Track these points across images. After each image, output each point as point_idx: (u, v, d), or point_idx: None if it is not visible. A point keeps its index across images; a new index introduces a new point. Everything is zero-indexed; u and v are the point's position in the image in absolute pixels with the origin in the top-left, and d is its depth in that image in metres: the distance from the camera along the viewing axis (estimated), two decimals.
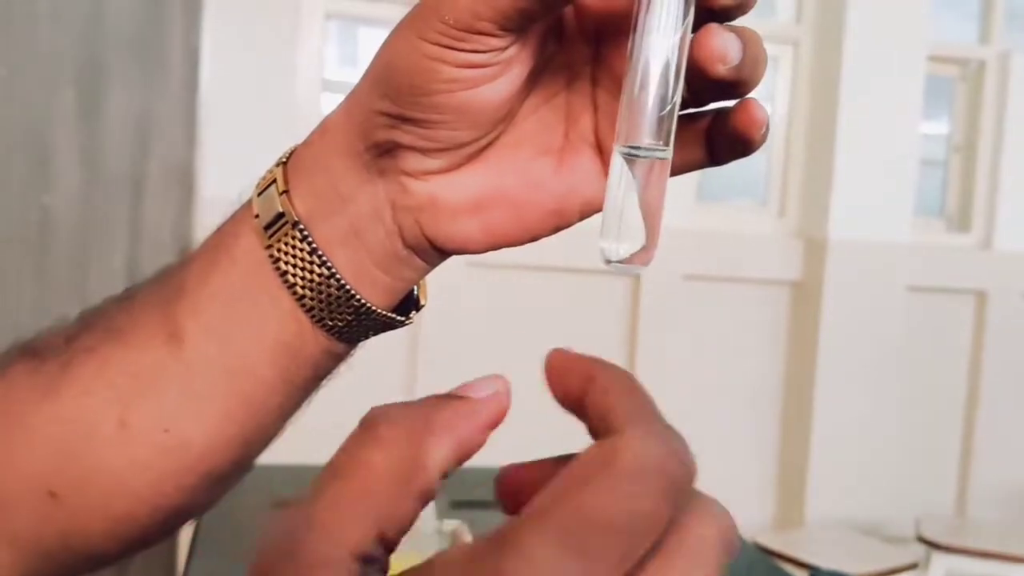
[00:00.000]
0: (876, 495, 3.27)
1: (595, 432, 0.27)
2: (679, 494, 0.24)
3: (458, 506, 1.36)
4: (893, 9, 3.18)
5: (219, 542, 1.43)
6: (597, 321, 3.11)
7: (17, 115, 2.79)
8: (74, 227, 2.83)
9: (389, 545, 0.26)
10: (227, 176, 2.77)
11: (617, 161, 0.34)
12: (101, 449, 0.44)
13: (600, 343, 3.06)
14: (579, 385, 0.28)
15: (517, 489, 0.29)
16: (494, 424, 0.28)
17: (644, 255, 0.34)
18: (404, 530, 0.26)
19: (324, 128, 0.41)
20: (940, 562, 2.81)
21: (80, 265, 2.81)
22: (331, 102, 3.24)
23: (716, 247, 3.19)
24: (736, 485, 3.24)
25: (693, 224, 3.14)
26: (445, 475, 0.27)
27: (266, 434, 0.46)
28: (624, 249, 0.34)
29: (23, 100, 2.79)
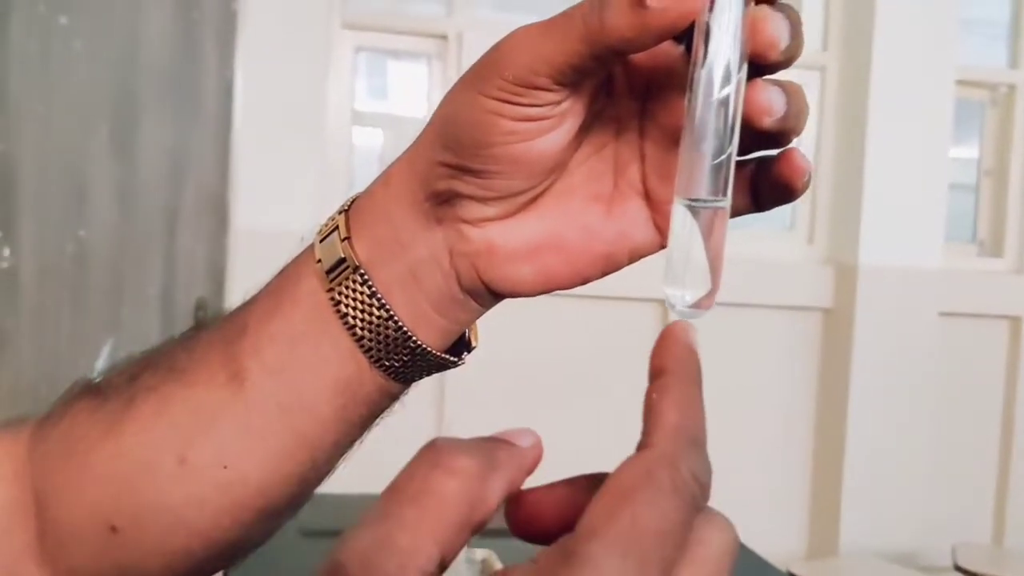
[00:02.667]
0: (911, 524, 3.23)
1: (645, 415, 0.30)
2: (698, 507, 0.27)
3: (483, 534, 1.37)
4: (921, 34, 3.18)
5: (251, 573, 1.43)
6: (626, 348, 3.10)
7: (53, 150, 2.83)
8: (110, 259, 2.86)
9: (444, 568, 0.28)
10: (260, 207, 2.80)
11: (679, 212, 0.35)
12: (161, 485, 0.45)
13: (628, 370, 3.05)
14: (656, 366, 0.31)
15: (531, 514, 0.31)
16: (533, 470, 0.30)
17: (708, 300, 0.36)
18: (456, 556, 0.28)
19: (386, 178, 0.43)
20: None
21: (116, 296, 2.84)
22: (361, 134, 3.24)
23: (745, 274, 3.18)
24: (768, 514, 3.21)
25: None
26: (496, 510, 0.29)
27: (321, 471, 0.47)
28: (690, 296, 0.36)
29: (59, 135, 2.83)
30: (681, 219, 0.35)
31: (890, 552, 3.14)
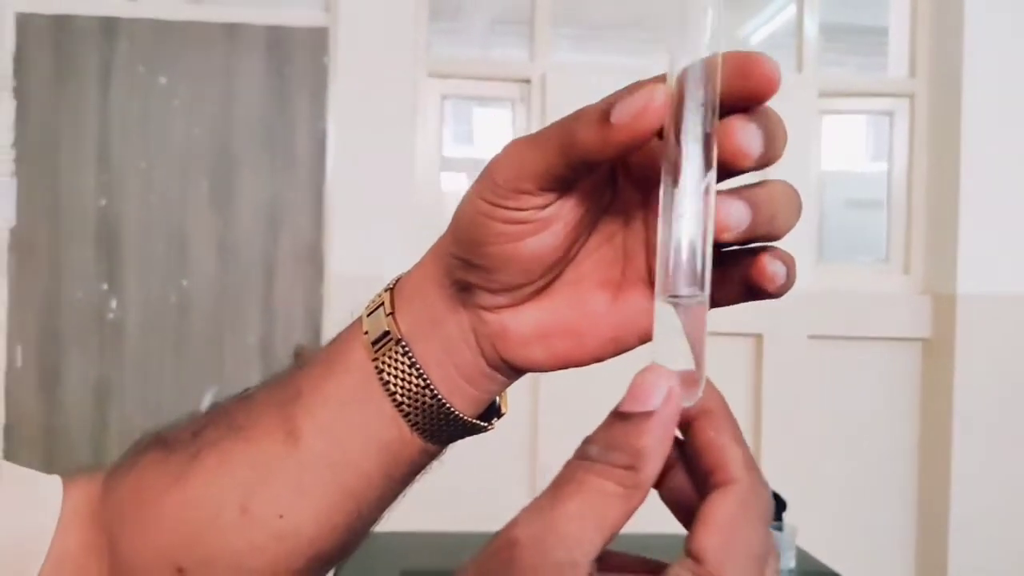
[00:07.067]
0: (1023, 558, 3.12)
1: (696, 455, 0.36)
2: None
3: None
4: (1012, 54, 3.11)
5: None
6: (720, 382, 3.07)
7: (156, 205, 2.96)
8: (210, 308, 2.97)
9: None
10: (354, 253, 2.86)
11: (660, 308, 0.37)
12: (224, 532, 0.49)
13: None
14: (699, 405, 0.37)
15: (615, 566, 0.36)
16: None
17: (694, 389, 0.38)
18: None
19: (422, 263, 0.48)
20: None
21: (217, 344, 2.93)
22: (449, 180, 3.30)
23: (840, 306, 3.13)
24: (873, 550, 3.14)
25: (815, 284, 3.10)
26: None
27: (367, 523, 0.51)
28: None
29: (161, 191, 2.95)
30: (662, 314, 0.38)
31: None
